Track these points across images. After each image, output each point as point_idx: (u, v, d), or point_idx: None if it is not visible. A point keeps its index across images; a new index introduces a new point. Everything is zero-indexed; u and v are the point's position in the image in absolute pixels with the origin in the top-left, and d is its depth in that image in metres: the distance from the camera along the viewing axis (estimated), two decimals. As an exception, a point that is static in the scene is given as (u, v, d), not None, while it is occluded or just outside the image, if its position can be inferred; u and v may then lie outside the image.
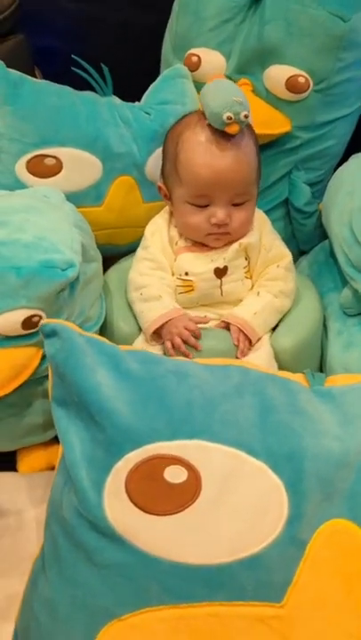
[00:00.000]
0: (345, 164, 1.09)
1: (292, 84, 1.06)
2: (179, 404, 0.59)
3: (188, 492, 0.55)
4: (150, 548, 0.55)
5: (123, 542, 0.56)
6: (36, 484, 0.88)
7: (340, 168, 1.09)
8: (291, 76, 1.06)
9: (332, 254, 1.09)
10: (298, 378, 0.67)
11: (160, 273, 0.93)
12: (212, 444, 0.57)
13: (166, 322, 0.88)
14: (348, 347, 0.93)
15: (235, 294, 0.95)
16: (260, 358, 0.87)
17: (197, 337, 0.87)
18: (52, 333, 0.66)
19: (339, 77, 1.07)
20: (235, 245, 0.93)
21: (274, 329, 0.94)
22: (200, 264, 0.93)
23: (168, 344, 0.87)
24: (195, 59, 1.10)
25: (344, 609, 0.54)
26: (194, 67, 1.10)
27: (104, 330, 0.95)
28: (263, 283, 0.95)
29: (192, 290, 0.93)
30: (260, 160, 0.93)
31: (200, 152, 0.88)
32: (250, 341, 0.89)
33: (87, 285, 0.88)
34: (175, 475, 0.56)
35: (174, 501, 0.55)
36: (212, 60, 1.09)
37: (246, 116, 0.85)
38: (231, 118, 0.83)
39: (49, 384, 0.69)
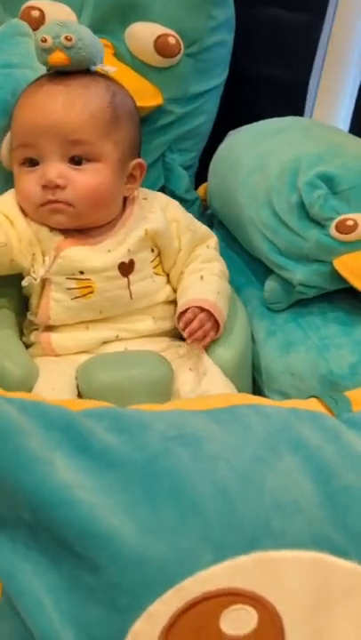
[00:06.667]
0: (229, 141, 0.92)
1: (161, 46, 0.86)
2: (208, 494, 0.35)
3: (265, 643, 0.33)
4: None
5: None
6: None
7: (224, 146, 0.92)
8: (159, 36, 0.86)
9: (231, 246, 0.92)
10: (313, 405, 0.48)
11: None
12: (278, 552, 0.34)
13: None
14: (289, 347, 0.76)
15: (146, 297, 0.72)
16: (214, 382, 0.66)
17: None
18: None
19: (211, 39, 0.89)
20: (139, 232, 0.71)
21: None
22: (96, 258, 0.69)
23: None
24: (36, 13, 0.83)
25: None
26: (35, 24, 0.82)
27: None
28: (199, 266, 0.74)
29: (91, 292, 0.68)
30: (120, 117, 0.69)
31: (27, 96, 0.69)
32: (217, 329, 0.70)
33: None
34: (239, 621, 0.33)
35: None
36: (58, 15, 0.83)
37: (69, 39, 0.65)
38: (46, 40, 0.65)
39: None
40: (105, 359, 0.68)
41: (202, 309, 0.69)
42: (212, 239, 0.78)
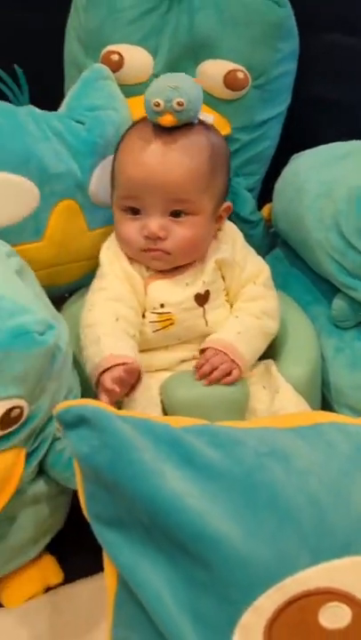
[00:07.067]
0: (293, 165, 0.96)
1: (230, 81, 0.91)
2: (302, 505, 0.41)
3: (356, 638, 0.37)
4: None
5: None
6: (35, 615, 0.64)
7: (288, 171, 0.96)
8: (229, 72, 0.91)
9: (296, 264, 0.96)
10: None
11: (116, 305, 0.72)
12: (368, 556, 0.39)
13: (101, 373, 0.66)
14: (358, 364, 0.80)
15: (219, 323, 0.76)
16: (287, 399, 0.71)
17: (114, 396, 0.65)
18: (77, 422, 0.44)
19: (277, 70, 0.94)
20: (210, 264, 0.76)
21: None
22: (176, 291, 0.74)
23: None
24: (115, 57, 0.90)
25: None
26: (115, 66, 0.90)
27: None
28: (241, 305, 0.78)
29: (172, 324, 0.74)
30: (217, 169, 0.74)
31: (132, 147, 0.72)
32: (237, 368, 0.71)
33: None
34: (335, 616, 0.37)
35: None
36: (136, 57, 0.90)
37: (181, 104, 0.68)
38: (159, 105, 0.68)
39: (79, 493, 0.47)
40: (186, 377, 0.73)
41: (217, 351, 0.71)
42: (262, 275, 0.79)
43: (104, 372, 0.65)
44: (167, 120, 0.68)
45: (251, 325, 0.75)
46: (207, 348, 0.72)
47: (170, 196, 0.70)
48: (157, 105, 0.67)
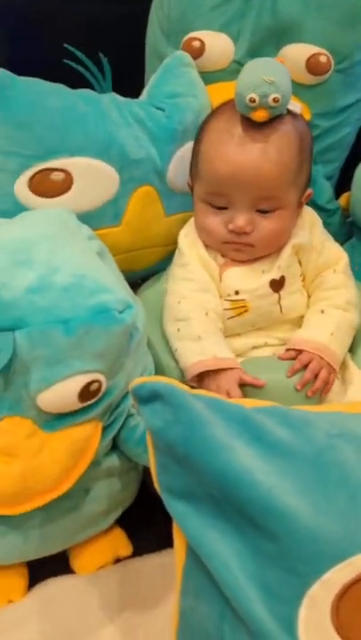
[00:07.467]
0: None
1: (313, 65, 0.91)
2: (372, 486, 0.42)
3: None
4: None
5: None
6: (105, 584, 0.67)
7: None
8: (311, 56, 0.90)
9: (372, 252, 0.95)
10: None
11: (204, 296, 0.74)
12: None
13: (206, 372, 0.69)
14: None
15: (295, 310, 0.77)
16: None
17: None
18: (152, 397, 0.46)
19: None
20: (287, 249, 0.75)
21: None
22: (252, 278, 0.75)
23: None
24: (197, 44, 0.91)
25: None
26: (196, 53, 0.91)
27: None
28: (323, 295, 0.77)
29: (246, 311, 0.75)
30: (304, 160, 0.73)
31: (220, 142, 0.71)
32: (333, 372, 0.70)
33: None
34: None
35: None
36: (217, 44, 0.91)
37: (277, 100, 0.67)
38: (255, 101, 0.66)
39: (151, 466, 0.49)
40: (259, 363, 0.74)
41: (312, 354, 0.69)
42: (341, 263, 0.78)
43: (214, 372, 0.68)
44: (261, 116, 0.68)
45: (342, 321, 0.74)
46: (301, 351, 0.71)
47: (259, 193, 0.70)
48: (253, 101, 0.66)
